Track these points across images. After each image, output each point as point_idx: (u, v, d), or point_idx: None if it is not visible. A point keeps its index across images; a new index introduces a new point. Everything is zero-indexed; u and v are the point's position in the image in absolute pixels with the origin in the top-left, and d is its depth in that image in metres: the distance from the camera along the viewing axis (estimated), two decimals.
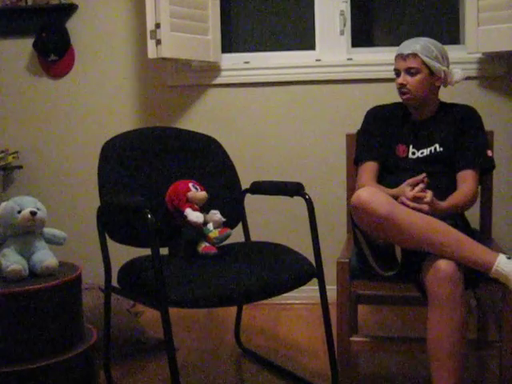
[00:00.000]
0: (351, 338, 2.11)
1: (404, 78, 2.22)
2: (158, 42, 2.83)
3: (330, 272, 2.26)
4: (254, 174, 3.25)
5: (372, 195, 1.93)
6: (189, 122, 3.26)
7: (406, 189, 2.06)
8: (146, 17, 2.83)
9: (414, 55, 2.19)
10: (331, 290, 2.18)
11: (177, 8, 2.91)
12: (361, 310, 2.80)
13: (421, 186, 2.04)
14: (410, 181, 2.07)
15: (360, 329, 2.73)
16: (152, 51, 2.85)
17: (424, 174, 2.07)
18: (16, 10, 3.24)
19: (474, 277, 1.94)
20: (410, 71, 2.20)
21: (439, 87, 2.27)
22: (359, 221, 2.00)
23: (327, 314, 2.17)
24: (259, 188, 2.45)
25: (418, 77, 2.20)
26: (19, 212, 1.93)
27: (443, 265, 1.86)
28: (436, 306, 1.87)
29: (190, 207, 2.15)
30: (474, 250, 1.89)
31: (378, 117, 2.35)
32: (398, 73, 2.25)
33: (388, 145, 2.30)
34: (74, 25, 3.28)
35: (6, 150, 3.23)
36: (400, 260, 2.00)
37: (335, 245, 3.13)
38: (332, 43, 3.22)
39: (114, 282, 2.18)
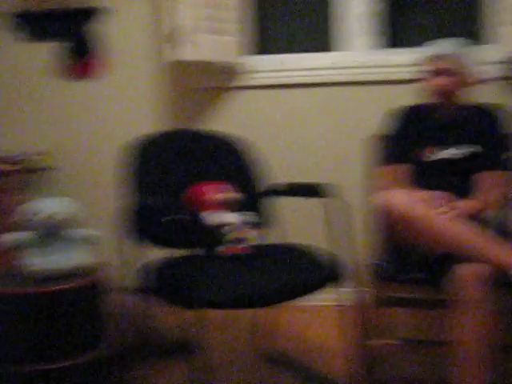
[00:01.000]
0: (375, 341, 2.09)
1: (438, 79, 2.19)
2: (180, 44, 2.84)
3: (357, 274, 2.24)
4: (281, 175, 3.23)
5: (399, 197, 1.92)
6: (212, 124, 3.27)
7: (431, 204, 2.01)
8: (167, 19, 2.84)
9: (448, 56, 2.17)
10: (358, 293, 2.16)
11: (199, 10, 2.91)
12: (387, 312, 2.77)
13: (445, 208, 2.00)
14: (441, 199, 2.02)
15: (386, 332, 2.70)
16: (174, 54, 2.86)
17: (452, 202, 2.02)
18: (45, 14, 3.28)
19: (504, 279, 1.90)
20: (444, 72, 2.18)
21: (470, 87, 2.25)
22: (387, 223, 1.98)
23: (353, 316, 2.15)
24: (287, 189, 2.45)
25: (452, 77, 2.18)
26: (42, 213, 1.96)
27: (471, 267, 1.83)
28: (463, 309, 1.84)
29: (213, 208, 2.15)
30: (503, 251, 1.86)
31: (404, 118, 2.33)
32: (432, 73, 2.22)
33: (414, 146, 2.28)
34: (101, 29, 3.32)
35: (38, 152, 3.27)
36: (426, 262, 1.98)
37: (361, 247, 3.11)
38: (357, 43, 3.20)
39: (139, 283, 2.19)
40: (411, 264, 2.02)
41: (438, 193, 2.04)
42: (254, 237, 2.16)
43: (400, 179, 2.25)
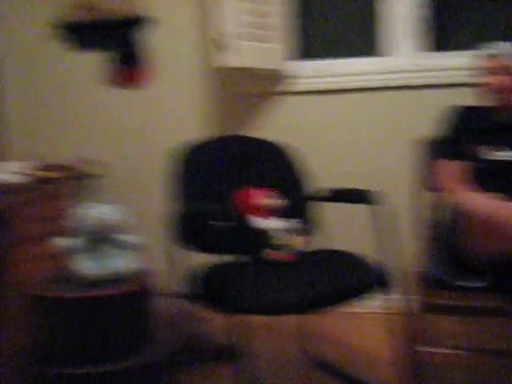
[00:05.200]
0: (421, 349, 2.04)
1: (495, 78, 2.16)
2: (224, 51, 2.85)
3: (405, 281, 2.21)
4: (325, 181, 3.22)
5: (481, 201, 1.89)
6: (256, 130, 3.27)
7: None
8: (212, 26, 2.86)
9: (505, 54, 2.15)
10: (405, 300, 2.13)
11: (242, 17, 2.93)
12: (433, 320, 2.72)
13: None
14: None
15: (431, 340, 2.66)
16: (218, 60, 2.87)
17: None
18: (93, 24, 3.34)
19: None
20: (500, 70, 2.15)
21: None
22: (463, 226, 1.94)
23: (398, 323, 2.12)
24: (332, 195, 2.43)
25: (510, 76, 2.14)
26: (90, 218, 1.98)
27: None
28: None
29: (259, 214, 2.15)
30: None
31: (459, 117, 2.30)
32: (486, 72, 2.18)
33: (471, 146, 2.23)
34: (147, 37, 3.36)
35: (85, 160, 3.32)
36: (495, 268, 1.93)
37: (406, 253, 3.06)
38: (402, 47, 3.17)
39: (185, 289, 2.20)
40: (470, 270, 1.98)
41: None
42: (298, 243, 2.16)
43: (459, 176, 2.20)
